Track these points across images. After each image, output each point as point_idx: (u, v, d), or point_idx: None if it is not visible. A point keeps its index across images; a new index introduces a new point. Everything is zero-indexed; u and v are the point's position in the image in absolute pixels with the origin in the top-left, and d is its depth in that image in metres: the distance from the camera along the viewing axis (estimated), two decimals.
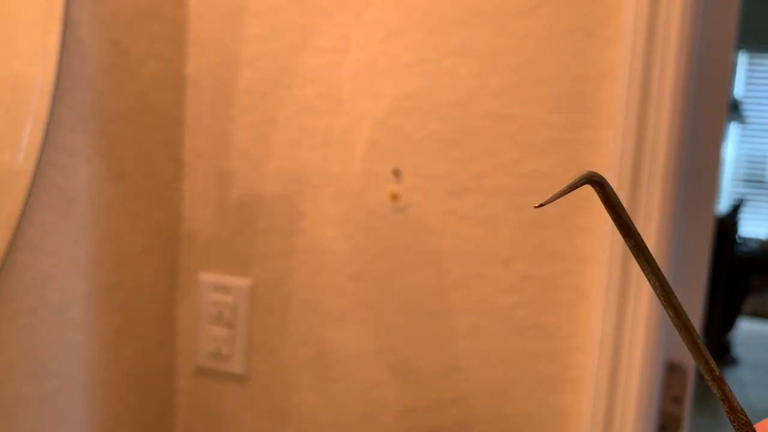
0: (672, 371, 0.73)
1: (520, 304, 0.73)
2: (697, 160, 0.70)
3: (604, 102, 0.68)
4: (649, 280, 0.22)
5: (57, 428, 0.71)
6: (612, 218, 0.22)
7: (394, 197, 0.76)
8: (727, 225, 3.35)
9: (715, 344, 3.61)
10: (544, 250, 0.72)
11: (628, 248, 0.22)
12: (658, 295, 0.22)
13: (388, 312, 0.78)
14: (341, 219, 0.79)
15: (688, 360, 0.73)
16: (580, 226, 0.70)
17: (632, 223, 0.22)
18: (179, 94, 0.83)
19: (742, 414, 0.23)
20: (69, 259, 0.70)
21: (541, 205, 0.22)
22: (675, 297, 0.22)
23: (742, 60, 4.50)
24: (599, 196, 0.22)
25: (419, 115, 0.75)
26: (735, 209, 3.53)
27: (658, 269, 0.22)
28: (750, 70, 4.52)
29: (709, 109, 0.70)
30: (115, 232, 0.75)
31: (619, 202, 0.22)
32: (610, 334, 0.69)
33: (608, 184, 0.22)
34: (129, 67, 0.75)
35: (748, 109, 4.51)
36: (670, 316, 0.23)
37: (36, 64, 0.62)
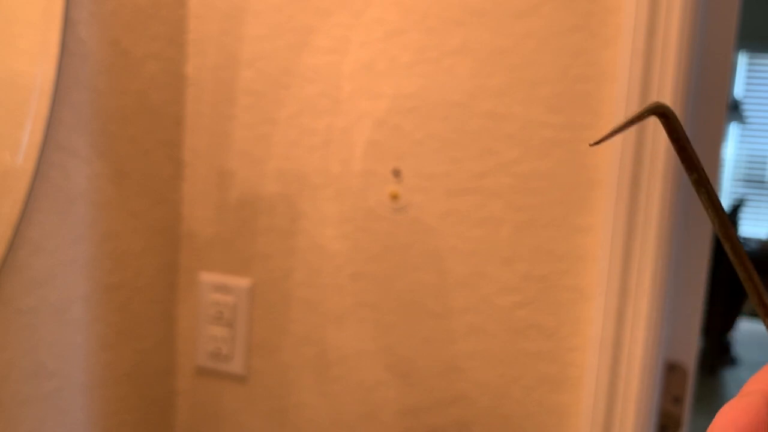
0: (672, 371, 0.73)
1: (520, 304, 0.73)
2: None
3: (604, 102, 0.68)
4: (708, 215, 0.23)
5: (57, 428, 0.71)
6: (676, 150, 0.22)
7: (394, 197, 0.76)
8: None
9: (715, 344, 3.61)
10: (544, 250, 0.71)
11: (691, 183, 0.22)
12: (716, 230, 0.23)
13: (388, 312, 0.78)
14: (341, 219, 0.79)
15: (688, 360, 0.73)
16: (579, 226, 0.70)
17: (697, 157, 0.22)
18: (179, 94, 0.83)
19: None
20: (69, 259, 0.70)
21: (597, 143, 0.22)
22: (735, 233, 0.23)
23: (742, 60, 4.50)
24: (665, 128, 0.22)
25: (419, 115, 0.75)
26: (735, 209, 3.53)
27: (720, 205, 0.23)
28: (750, 70, 4.53)
29: (709, 109, 0.70)
30: (115, 232, 0.75)
31: (685, 135, 0.22)
32: (610, 334, 0.69)
33: (674, 116, 0.22)
34: (129, 67, 0.75)
35: (748, 109, 4.51)
36: (726, 252, 0.23)
37: (36, 64, 0.62)
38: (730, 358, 3.66)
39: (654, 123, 0.66)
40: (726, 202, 4.33)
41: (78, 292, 0.71)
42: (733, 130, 4.58)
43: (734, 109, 4.19)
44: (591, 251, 0.70)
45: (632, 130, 0.66)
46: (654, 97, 0.66)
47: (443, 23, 0.73)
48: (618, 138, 0.67)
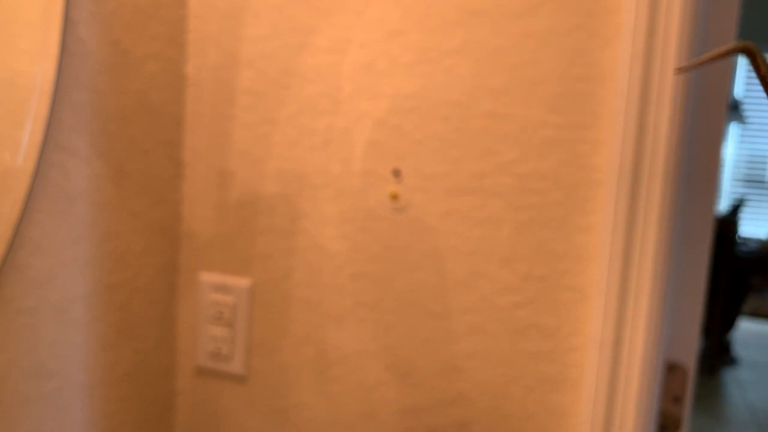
0: (672, 371, 0.73)
1: (520, 304, 0.73)
2: (697, 160, 0.70)
3: (604, 102, 0.68)
4: None
5: (57, 428, 0.71)
6: (763, 87, 0.23)
7: (394, 197, 0.76)
8: (727, 225, 3.35)
9: (715, 344, 3.61)
10: (544, 250, 0.72)
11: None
12: None
13: (388, 312, 0.78)
14: (341, 219, 0.79)
15: (688, 360, 0.73)
16: (579, 226, 0.70)
17: None
18: (179, 94, 0.83)
19: None
20: (69, 259, 0.70)
21: (682, 69, 0.23)
22: None
23: (742, 60, 4.49)
24: (751, 64, 0.23)
25: (419, 115, 0.75)
26: (735, 209, 3.53)
27: None
28: (750, 70, 4.52)
29: (709, 109, 0.70)
30: (115, 232, 0.75)
31: None
32: (610, 334, 0.69)
33: (759, 53, 0.23)
34: (129, 67, 0.75)
35: (748, 109, 4.51)
36: None
37: (36, 64, 0.62)
38: (730, 358, 3.66)
39: (653, 122, 0.66)
40: (726, 202, 4.33)
41: (78, 292, 0.71)
42: (733, 130, 4.58)
43: (734, 109, 4.20)
44: (591, 251, 0.70)
45: (632, 130, 0.66)
46: (654, 98, 0.66)
47: (443, 23, 0.73)
48: (617, 137, 0.67)
